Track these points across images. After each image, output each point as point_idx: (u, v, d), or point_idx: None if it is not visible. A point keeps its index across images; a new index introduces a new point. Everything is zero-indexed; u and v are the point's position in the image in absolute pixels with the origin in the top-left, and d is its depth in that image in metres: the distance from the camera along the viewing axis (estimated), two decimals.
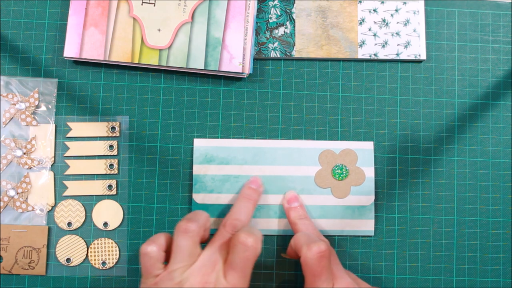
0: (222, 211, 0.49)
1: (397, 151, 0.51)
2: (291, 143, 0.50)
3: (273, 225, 0.50)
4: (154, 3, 0.50)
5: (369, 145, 0.51)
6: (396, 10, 0.52)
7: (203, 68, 0.49)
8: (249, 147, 0.50)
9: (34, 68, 0.51)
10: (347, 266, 0.50)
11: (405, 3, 0.52)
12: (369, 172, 0.50)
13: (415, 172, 0.51)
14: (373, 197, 0.50)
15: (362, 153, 0.50)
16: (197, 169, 0.50)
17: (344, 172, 0.50)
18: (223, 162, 0.50)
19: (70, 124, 0.50)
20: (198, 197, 0.49)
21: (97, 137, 0.50)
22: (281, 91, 0.52)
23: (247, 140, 0.50)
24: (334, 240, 0.50)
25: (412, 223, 0.51)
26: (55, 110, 0.50)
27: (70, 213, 0.49)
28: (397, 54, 0.52)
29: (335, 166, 0.50)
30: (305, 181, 0.50)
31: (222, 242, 0.43)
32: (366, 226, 0.50)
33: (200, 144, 0.50)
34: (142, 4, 0.50)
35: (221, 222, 0.46)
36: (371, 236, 0.50)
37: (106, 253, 0.49)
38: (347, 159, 0.50)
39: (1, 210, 0.49)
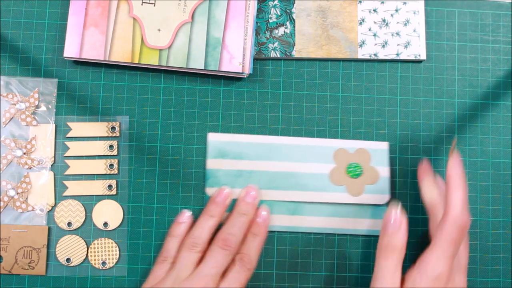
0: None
1: (397, 151, 0.51)
2: (304, 140, 0.50)
3: (286, 221, 0.50)
4: (154, 3, 0.50)
5: (384, 145, 0.51)
6: (396, 10, 0.52)
7: (203, 68, 0.49)
8: (262, 143, 0.50)
9: (34, 68, 0.51)
10: (347, 266, 0.50)
11: (405, 3, 0.52)
12: (384, 171, 0.50)
13: (415, 172, 0.51)
14: (387, 196, 0.50)
15: (376, 153, 0.51)
16: (210, 164, 0.50)
17: (358, 171, 0.50)
18: (237, 157, 0.50)
19: (70, 124, 0.50)
20: (211, 192, 0.49)
21: (97, 137, 0.50)
22: (281, 91, 0.52)
23: (261, 136, 0.50)
24: (334, 240, 0.50)
25: (412, 223, 0.51)
26: (55, 110, 0.50)
27: (70, 213, 0.49)
28: (397, 54, 0.52)
29: (349, 164, 0.50)
30: (319, 178, 0.50)
31: (217, 260, 0.45)
32: (379, 226, 0.50)
33: (214, 139, 0.50)
34: (142, 4, 0.50)
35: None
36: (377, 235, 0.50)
37: (106, 253, 0.49)
38: (361, 158, 0.50)
39: (1, 210, 0.49)
